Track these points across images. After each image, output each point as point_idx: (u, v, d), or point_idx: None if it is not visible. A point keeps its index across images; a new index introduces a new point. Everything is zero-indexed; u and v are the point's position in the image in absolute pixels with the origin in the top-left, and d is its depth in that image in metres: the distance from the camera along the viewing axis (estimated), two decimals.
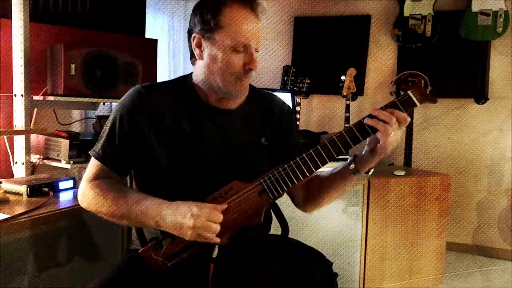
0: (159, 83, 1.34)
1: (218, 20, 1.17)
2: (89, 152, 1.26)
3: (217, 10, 1.17)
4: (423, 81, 1.12)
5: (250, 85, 1.31)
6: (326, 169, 1.23)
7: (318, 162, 1.13)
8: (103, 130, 1.25)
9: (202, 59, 1.22)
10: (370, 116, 1.10)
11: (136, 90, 1.24)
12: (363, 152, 1.18)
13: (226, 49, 1.17)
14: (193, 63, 1.29)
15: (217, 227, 1.07)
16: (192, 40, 1.23)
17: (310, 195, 1.33)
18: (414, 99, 1.10)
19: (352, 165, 1.20)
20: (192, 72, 1.31)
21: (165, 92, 1.26)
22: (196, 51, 1.23)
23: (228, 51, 1.17)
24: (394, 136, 1.10)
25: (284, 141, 1.36)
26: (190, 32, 1.25)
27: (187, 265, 1.13)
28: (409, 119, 1.11)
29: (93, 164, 1.24)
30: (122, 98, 1.25)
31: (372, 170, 1.22)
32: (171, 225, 1.09)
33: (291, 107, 2.65)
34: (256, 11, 1.19)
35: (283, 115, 1.37)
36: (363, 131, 1.11)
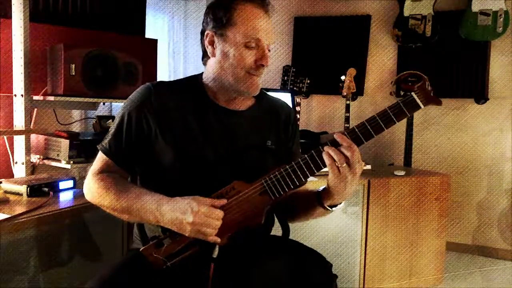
0: (169, 81, 1.35)
1: (230, 17, 1.20)
2: (97, 146, 1.27)
3: (229, 7, 1.20)
4: (427, 83, 1.09)
5: (260, 89, 1.32)
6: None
7: (320, 163, 1.13)
8: (112, 125, 1.27)
9: (215, 56, 1.25)
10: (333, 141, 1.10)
11: (146, 87, 1.26)
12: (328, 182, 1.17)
13: (238, 45, 1.20)
14: (205, 64, 1.31)
15: (217, 223, 1.08)
16: (204, 38, 1.26)
17: (287, 206, 1.33)
18: (418, 101, 1.09)
19: (317, 193, 1.20)
20: (202, 72, 1.32)
21: (174, 90, 1.28)
22: (209, 49, 1.25)
23: (240, 47, 1.20)
24: (350, 167, 1.09)
25: (288, 146, 1.37)
26: (202, 32, 1.27)
27: (187, 265, 1.13)
28: (349, 146, 1.08)
29: (99, 158, 1.26)
30: (132, 95, 1.27)
31: (338, 205, 1.21)
32: (171, 221, 1.09)
33: (291, 107, 2.65)
34: (267, 9, 1.23)
35: (290, 121, 1.39)
36: (365, 133, 1.10)
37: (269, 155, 1.30)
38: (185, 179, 1.20)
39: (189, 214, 1.06)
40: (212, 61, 1.27)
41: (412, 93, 1.09)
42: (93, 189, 1.22)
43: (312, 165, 1.13)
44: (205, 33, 1.25)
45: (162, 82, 1.31)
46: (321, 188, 1.20)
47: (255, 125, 1.32)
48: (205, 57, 1.30)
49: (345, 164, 1.08)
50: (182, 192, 1.12)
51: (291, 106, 2.64)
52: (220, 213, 1.09)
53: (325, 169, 1.14)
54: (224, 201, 1.12)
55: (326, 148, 1.10)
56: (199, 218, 1.06)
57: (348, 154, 1.08)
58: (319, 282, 1.16)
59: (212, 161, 1.22)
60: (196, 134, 1.23)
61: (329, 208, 1.20)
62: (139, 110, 1.22)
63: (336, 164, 1.09)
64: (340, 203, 1.20)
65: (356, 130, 1.11)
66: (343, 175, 1.09)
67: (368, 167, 2.66)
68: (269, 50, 1.24)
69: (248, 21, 1.19)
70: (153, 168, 1.25)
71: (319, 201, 1.20)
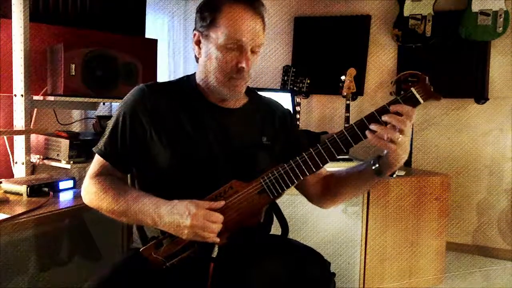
0: (163, 82, 1.36)
1: (214, 18, 1.19)
2: (92, 148, 1.27)
3: (216, 8, 1.19)
4: (427, 78, 1.09)
5: (252, 89, 1.32)
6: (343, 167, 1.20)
7: (319, 162, 1.13)
8: (107, 127, 1.27)
9: (200, 56, 1.25)
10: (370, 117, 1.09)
11: (139, 89, 1.25)
12: (385, 153, 1.15)
13: (219, 46, 1.19)
14: (197, 62, 1.30)
15: (215, 227, 1.07)
16: (193, 37, 1.26)
17: (328, 192, 1.32)
18: (418, 96, 1.08)
19: (376, 166, 1.18)
20: (196, 72, 1.32)
21: (168, 90, 1.28)
22: (196, 49, 1.26)
23: (222, 49, 1.19)
24: (403, 135, 1.07)
25: (286, 141, 1.36)
26: (193, 30, 1.27)
27: (187, 265, 1.13)
28: (412, 112, 1.06)
29: (96, 161, 1.26)
30: (126, 96, 1.27)
31: (395, 174, 1.20)
32: (168, 224, 1.09)
33: (291, 107, 2.65)
34: (256, 11, 1.20)
35: (285, 117, 1.39)
36: (364, 130, 1.10)
37: (266, 151, 1.30)
38: (182, 178, 1.20)
39: (186, 217, 1.06)
40: (200, 61, 1.27)
41: (412, 89, 1.08)
42: (91, 192, 1.21)
43: (310, 164, 1.13)
44: (193, 33, 1.26)
45: (155, 83, 1.31)
46: (373, 162, 1.18)
47: (250, 122, 1.31)
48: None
49: (397, 133, 1.06)
50: (180, 192, 1.12)
51: (291, 106, 2.65)
52: (218, 217, 1.08)
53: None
54: (222, 203, 1.11)
55: (372, 126, 1.08)
56: (197, 221, 1.06)
57: (394, 122, 1.06)
58: (318, 280, 1.17)
59: (209, 160, 1.22)
60: (191, 133, 1.22)
61: (391, 177, 1.20)
62: (133, 111, 1.22)
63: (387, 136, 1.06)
64: (396, 171, 1.19)
65: (355, 126, 1.10)
66: (399, 142, 1.07)
67: None
68: (254, 52, 1.21)
69: (231, 23, 1.17)
70: (150, 169, 1.24)
71: (379, 174, 1.18)
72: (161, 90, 1.27)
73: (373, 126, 1.08)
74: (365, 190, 1.28)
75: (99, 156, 1.25)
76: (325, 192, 1.33)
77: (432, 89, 1.09)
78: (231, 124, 1.27)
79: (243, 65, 1.19)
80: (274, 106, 1.40)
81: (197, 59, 1.30)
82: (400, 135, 1.06)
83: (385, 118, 1.07)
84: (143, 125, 1.21)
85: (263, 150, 1.30)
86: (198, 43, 1.24)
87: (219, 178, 1.15)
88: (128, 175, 1.33)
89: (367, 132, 1.08)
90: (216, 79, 1.22)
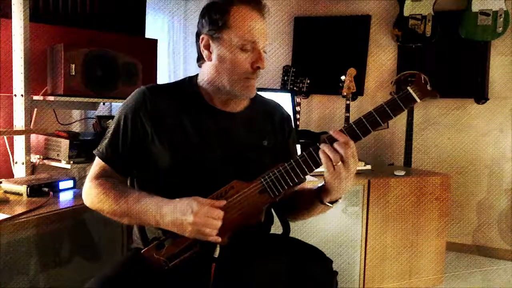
0: (164, 84, 1.35)
1: (226, 20, 1.19)
2: (93, 151, 1.27)
3: (225, 10, 1.19)
4: (423, 77, 1.11)
5: None
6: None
7: (318, 160, 1.13)
8: (107, 129, 1.26)
9: (211, 60, 1.24)
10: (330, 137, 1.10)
11: (140, 91, 1.25)
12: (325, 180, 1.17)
13: (234, 48, 1.19)
14: (200, 66, 1.30)
15: (217, 223, 1.08)
16: (200, 42, 1.25)
17: (289, 204, 1.32)
18: (414, 95, 1.09)
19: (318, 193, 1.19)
20: (197, 74, 1.31)
21: (169, 93, 1.28)
22: (205, 53, 1.24)
23: (236, 50, 1.19)
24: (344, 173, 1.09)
25: (285, 144, 1.37)
26: (198, 34, 1.26)
27: (189, 265, 1.13)
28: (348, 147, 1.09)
29: (96, 163, 1.26)
30: (127, 99, 1.27)
31: (338, 201, 1.20)
32: (171, 223, 1.09)
33: (291, 107, 2.65)
34: (262, 11, 1.23)
35: (284, 119, 1.39)
36: (363, 128, 1.11)
37: (266, 154, 1.30)
38: (183, 181, 1.20)
39: (189, 215, 1.06)
40: (208, 65, 1.26)
41: (408, 88, 1.10)
42: (92, 195, 1.21)
43: (310, 163, 1.14)
44: (201, 37, 1.24)
45: (156, 85, 1.31)
46: (320, 184, 1.20)
47: (251, 125, 1.32)
48: (200, 59, 1.29)
49: (340, 162, 1.08)
50: (180, 194, 1.12)
51: (291, 106, 2.66)
52: (220, 213, 1.09)
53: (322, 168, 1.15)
54: (223, 202, 1.11)
55: (322, 146, 1.11)
56: (199, 218, 1.06)
57: (342, 151, 1.08)
58: (320, 278, 1.17)
59: (210, 163, 1.22)
60: (192, 137, 1.22)
61: (328, 204, 1.20)
62: (134, 114, 1.22)
63: (332, 162, 1.09)
64: (339, 199, 1.20)
65: (353, 126, 1.11)
66: (337, 171, 1.09)
67: (368, 167, 2.66)
68: (264, 51, 1.24)
69: (244, 24, 1.19)
70: (150, 172, 1.24)
71: (319, 198, 1.20)
72: (162, 93, 1.27)
73: (322, 145, 1.10)
74: (313, 214, 1.28)
75: (99, 159, 1.25)
76: (289, 205, 1.33)
77: (428, 87, 1.10)
78: (233, 127, 1.28)
79: (259, 65, 1.21)
80: (274, 107, 1.40)
81: (200, 63, 1.30)
82: (340, 162, 1.08)
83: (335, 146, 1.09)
84: (144, 127, 1.21)
85: (264, 153, 1.30)
86: (207, 47, 1.23)
87: (220, 181, 1.15)
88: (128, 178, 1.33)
89: (320, 154, 1.10)
90: (230, 81, 1.22)
